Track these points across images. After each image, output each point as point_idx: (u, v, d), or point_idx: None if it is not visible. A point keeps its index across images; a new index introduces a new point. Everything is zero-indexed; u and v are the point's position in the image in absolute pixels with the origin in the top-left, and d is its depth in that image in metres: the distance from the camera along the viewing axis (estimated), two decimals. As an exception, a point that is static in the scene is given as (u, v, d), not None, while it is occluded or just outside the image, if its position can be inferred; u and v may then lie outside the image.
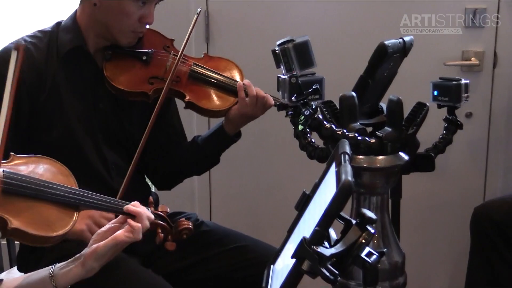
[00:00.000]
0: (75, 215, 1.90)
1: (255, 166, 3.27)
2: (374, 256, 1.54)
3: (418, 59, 3.01)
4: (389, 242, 1.97)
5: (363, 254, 1.53)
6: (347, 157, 1.58)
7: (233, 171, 3.25)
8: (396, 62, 2.22)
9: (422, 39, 3.07)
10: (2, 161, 1.81)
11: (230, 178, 3.29)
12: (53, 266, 1.89)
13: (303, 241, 1.43)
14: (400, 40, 2.17)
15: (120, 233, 1.85)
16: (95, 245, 1.86)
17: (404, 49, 2.20)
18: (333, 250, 1.47)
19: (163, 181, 2.69)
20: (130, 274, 2.31)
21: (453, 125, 2.21)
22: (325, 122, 1.88)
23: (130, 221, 1.88)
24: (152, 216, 1.96)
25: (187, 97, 2.44)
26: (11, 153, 1.92)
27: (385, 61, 2.10)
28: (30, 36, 2.42)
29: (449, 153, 3.14)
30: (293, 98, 1.83)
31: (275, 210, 3.26)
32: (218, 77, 2.49)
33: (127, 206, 1.92)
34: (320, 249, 1.43)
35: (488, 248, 2.72)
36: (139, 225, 1.90)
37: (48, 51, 2.40)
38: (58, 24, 2.46)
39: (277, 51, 1.84)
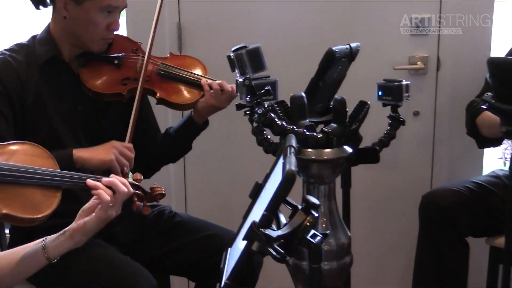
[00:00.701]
0: (58, 195, 1.90)
1: (227, 162, 3.26)
2: (318, 238, 1.57)
3: (369, 64, 3.05)
4: (336, 226, 1.98)
5: (308, 236, 1.55)
6: (292, 149, 1.61)
7: (206, 167, 3.25)
8: (344, 66, 2.22)
9: (373, 46, 3.08)
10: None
11: (203, 174, 3.28)
12: (45, 239, 1.88)
13: (253, 224, 1.47)
14: (347, 46, 2.18)
15: (102, 207, 1.85)
16: (82, 221, 1.85)
17: (351, 54, 2.21)
18: (279, 232, 1.49)
19: (141, 170, 2.63)
20: (110, 260, 2.31)
21: (396, 122, 2.23)
22: (276, 120, 1.86)
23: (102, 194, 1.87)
24: (127, 183, 1.95)
25: (158, 94, 2.46)
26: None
27: (333, 65, 2.10)
28: (8, 50, 2.42)
29: (399, 148, 3.19)
30: (247, 98, 1.82)
31: (245, 202, 3.25)
32: (184, 73, 2.50)
33: (104, 178, 1.92)
34: (268, 231, 1.46)
35: (435, 233, 2.73)
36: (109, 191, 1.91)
37: (27, 62, 2.40)
38: (34, 37, 2.47)
39: (232, 57, 1.83)
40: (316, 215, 1.58)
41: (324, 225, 1.94)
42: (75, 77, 2.42)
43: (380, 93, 2.23)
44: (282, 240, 1.54)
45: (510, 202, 2.29)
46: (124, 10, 2.50)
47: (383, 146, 2.23)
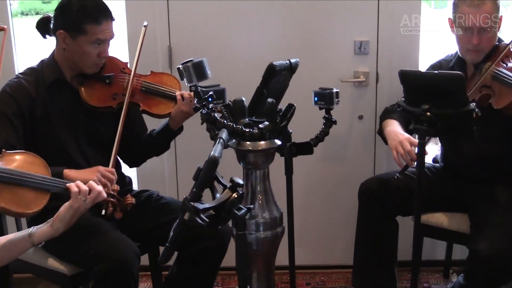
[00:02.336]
0: (47, 196, 1.92)
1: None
2: (243, 210, 1.59)
3: (321, 77, 3.04)
4: (270, 203, 1.97)
5: (234, 209, 1.56)
6: (220, 140, 1.62)
7: (196, 158, 3.22)
8: (285, 77, 2.21)
9: (325, 62, 3.08)
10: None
11: (193, 164, 3.23)
12: (32, 228, 1.90)
13: (185, 199, 1.48)
14: (287, 61, 2.16)
15: (74, 197, 1.88)
16: (59, 211, 1.88)
17: (290, 68, 2.19)
18: (207, 205, 1.53)
19: (131, 161, 2.72)
20: (101, 231, 2.31)
21: (329, 122, 2.23)
22: (218, 118, 1.85)
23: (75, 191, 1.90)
24: (104, 194, 1.99)
25: (141, 106, 2.46)
26: (3, 150, 1.97)
27: (275, 76, 2.08)
28: (22, 73, 2.44)
29: (348, 145, 3.19)
30: (195, 101, 1.82)
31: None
32: (162, 88, 2.48)
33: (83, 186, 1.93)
34: (196, 204, 1.46)
35: (369, 212, 2.72)
36: (86, 189, 1.91)
37: (36, 83, 2.40)
38: (42, 61, 2.47)
39: (180, 68, 1.81)
40: (241, 192, 1.59)
41: (260, 201, 1.93)
42: (75, 93, 2.42)
43: (316, 99, 2.23)
44: (212, 212, 1.55)
45: (418, 190, 2.29)
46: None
47: (318, 141, 2.23)
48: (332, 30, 3.07)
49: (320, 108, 2.24)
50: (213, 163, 1.49)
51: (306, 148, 2.19)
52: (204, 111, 1.77)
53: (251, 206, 1.73)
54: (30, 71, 2.44)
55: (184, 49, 3.12)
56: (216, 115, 1.86)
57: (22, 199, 1.90)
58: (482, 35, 2.43)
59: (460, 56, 2.58)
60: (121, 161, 2.68)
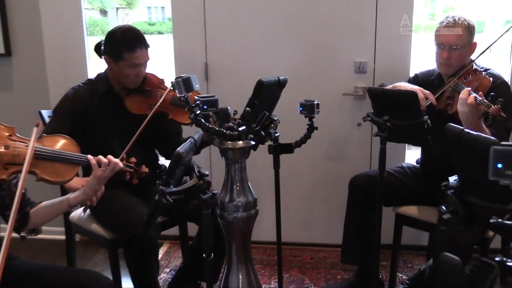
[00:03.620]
0: (77, 168, 1.93)
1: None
2: (207, 195, 1.63)
3: (326, 91, 3.06)
4: (245, 189, 1.95)
5: (200, 193, 1.62)
6: (191, 140, 1.67)
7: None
8: (275, 91, 2.16)
9: (330, 79, 3.07)
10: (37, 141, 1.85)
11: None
12: (69, 194, 1.97)
13: (157, 183, 1.55)
14: (276, 78, 2.11)
15: (96, 169, 1.91)
16: (88, 180, 1.95)
17: (279, 83, 2.14)
18: (174, 189, 1.55)
19: (168, 155, 2.70)
20: (131, 207, 2.33)
21: (311, 128, 2.20)
22: (203, 122, 1.82)
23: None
24: (120, 164, 1.97)
25: (169, 116, 2.46)
26: (43, 134, 1.97)
27: (264, 90, 2.02)
28: (83, 83, 2.51)
29: (348, 148, 3.18)
30: (186, 109, 1.82)
31: None
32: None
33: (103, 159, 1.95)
34: (165, 188, 1.53)
35: (356, 202, 2.70)
36: (106, 161, 1.93)
37: (91, 92, 2.47)
38: (98, 75, 2.54)
39: (173, 82, 1.84)
40: (207, 179, 1.65)
41: (237, 188, 1.93)
42: (121, 102, 2.47)
43: (301, 108, 2.19)
44: (182, 195, 1.62)
45: (380, 185, 2.28)
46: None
47: (301, 143, 2.21)
48: (337, 53, 3.07)
49: (305, 116, 2.21)
50: (177, 156, 1.52)
51: (288, 148, 2.18)
52: (191, 116, 1.78)
53: (215, 191, 1.73)
54: (88, 82, 2.52)
55: (217, 65, 3.16)
56: (202, 119, 1.83)
57: (58, 171, 1.88)
58: (452, 52, 2.44)
59: (438, 71, 2.58)
60: (158, 154, 2.73)
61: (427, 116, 2.07)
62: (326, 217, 3.28)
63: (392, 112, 2.11)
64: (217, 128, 1.84)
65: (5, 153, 1.76)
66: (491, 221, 1.26)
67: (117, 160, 1.95)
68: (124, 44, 2.36)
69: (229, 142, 1.88)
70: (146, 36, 2.45)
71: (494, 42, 2.47)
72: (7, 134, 1.81)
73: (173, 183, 1.56)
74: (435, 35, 2.51)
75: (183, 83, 1.79)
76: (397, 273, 2.94)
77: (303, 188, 3.27)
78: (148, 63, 2.47)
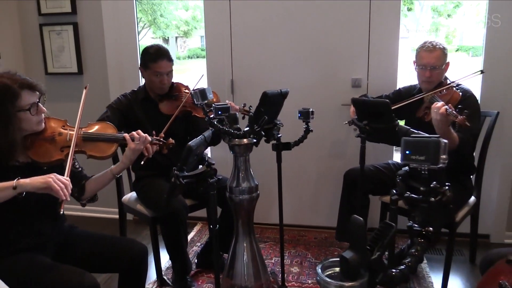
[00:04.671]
0: (116, 145, 1.94)
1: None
2: (214, 179, 1.73)
3: (329, 102, 3.12)
4: (249, 177, 2.02)
5: (209, 179, 1.72)
6: (202, 137, 1.73)
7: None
8: (278, 100, 2.21)
9: (331, 91, 3.11)
10: (83, 127, 1.95)
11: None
12: (112, 166, 2.01)
13: (173, 169, 1.63)
14: (279, 90, 2.16)
15: (130, 143, 1.92)
16: (125, 153, 1.95)
17: (281, 94, 2.18)
18: (186, 174, 1.64)
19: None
20: (160, 185, 2.38)
21: (307, 130, 2.27)
22: (216, 123, 1.89)
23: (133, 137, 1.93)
24: (149, 138, 1.97)
25: (193, 113, 2.49)
26: (89, 122, 2.00)
27: (268, 100, 2.06)
28: (129, 93, 2.60)
29: (346, 147, 3.22)
30: (203, 113, 1.88)
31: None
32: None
33: (135, 134, 1.95)
34: (179, 173, 1.62)
35: (349, 191, 2.74)
36: (137, 136, 1.93)
37: (134, 99, 2.56)
38: (139, 87, 2.62)
39: (192, 93, 1.91)
40: (214, 167, 1.74)
41: (242, 176, 2.00)
42: (156, 106, 2.53)
43: (299, 115, 2.27)
44: (194, 179, 1.72)
45: (361, 179, 2.33)
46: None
47: (298, 143, 2.29)
48: (337, 71, 3.11)
49: (303, 121, 2.28)
50: (188, 149, 1.60)
51: (287, 146, 2.26)
52: (206, 119, 1.87)
53: (220, 176, 1.81)
54: (132, 92, 2.61)
55: (241, 81, 3.25)
56: (216, 122, 1.92)
57: (101, 149, 1.92)
58: (432, 71, 2.48)
59: (419, 86, 2.63)
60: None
61: (398, 121, 2.14)
62: (328, 204, 3.32)
63: (370, 117, 2.19)
64: (226, 129, 1.94)
65: (60, 139, 1.85)
66: (392, 197, 1.35)
67: (146, 135, 1.96)
68: (150, 57, 2.46)
69: (236, 139, 1.98)
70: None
71: (466, 77, 2.51)
72: (61, 125, 1.91)
73: (187, 169, 1.67)
74: (418, 58, 2.55)
75: (200, 93, 1.89)
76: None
77: (310, 180, 3.34)
78: (173, 73, 2.54)
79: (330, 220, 3.29)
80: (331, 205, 3.28)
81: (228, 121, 2.01)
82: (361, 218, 1.21)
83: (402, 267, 1.24)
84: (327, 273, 1.39)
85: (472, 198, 2.69)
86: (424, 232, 1.26)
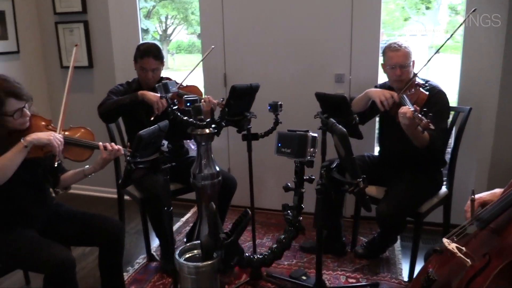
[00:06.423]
0: (91, 152, 1.95)
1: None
2: (167, 165, 1.78)
3: (313, 96, 3.12)
4: (210, 164, 2.08)
5: (161, 164, 1.76)
6: (156, 127, 1.77)
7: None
8: (248, 93, 2.26)
9: (313, 87, 2.97)
10: (65, 130, 1.93)
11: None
12: (86, 166, 2.01)
13: (126, 156, 1.69)
14: (249, 84, 2.23)
15: (104, 153, 1.92)
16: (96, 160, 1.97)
17: (251, 88, 2.24)
18: (138, 160, 1.69)
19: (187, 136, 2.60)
20: (151, 178, 2.34)
21: (276, 122, 2.29)
22: (179, 114, 1.95)
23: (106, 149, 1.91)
24: (122, 152, 1.95)
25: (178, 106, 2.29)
26: (70, 126, 1.98)
27: (236, 94, 2.16)
28: (124, 83, 2.64)
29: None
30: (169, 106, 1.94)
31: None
32: (189, 94, 2.38)
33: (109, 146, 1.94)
34: (131, 159, 1.67)
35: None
36: (110, 148, 1.92)
37: (128, 88, 2.59)
38: (133, 79, 2.66)
39: (156, 86, 1.98)
40: (166, 155, 1.78)
41: (204, 162, 2.04)
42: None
43: (269, 107, 2.30)
44: (148, 165, 1.76)
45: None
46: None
47: (268, 133, 2.32)
48: (321, 67, 3.11)
49: (273, 113, 2.31)
50: (138, 138, 1.64)
51: (256, 136, 2.32)
52: (169, 110, 1.92)
53: (174, 164, 1.85)
54: (127, 82, 2.66)
55: (233, 75, 3.29)
56: (179, 113, 1.98)
57: (77, 153, 1.92)
58: (402, 70, 2.45)
59: (390, 85, 2.60)
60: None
61: (356, 115, 2.15)
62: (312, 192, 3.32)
63: (330, 111, 2.21)
64: (185, 119, 2.00)
65: None
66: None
67: (118, 147, 1.97)
68: (139, 52, 2.53)
69: (198, 129, 2.04)
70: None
71: (428, 61, 2.45)
72: (45, 124, 1.90)
73: (141, 156, 1.72)
74: (386, 58, 2.50)
75: (163, 86, 1.96)
76: (360, 237, 2.99)
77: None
78: (160, 71, 2.57)
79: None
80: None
81: (193, 112, 2.07)
82: (214, 206, 1.26)
83: (267, 252, 1.28)
84: (188, 255, 1.42)
85: (444, 190, 2.65)
86: (294, 222, 1.29)
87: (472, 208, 1.53)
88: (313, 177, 1.38)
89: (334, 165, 1.72)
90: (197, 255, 1.39)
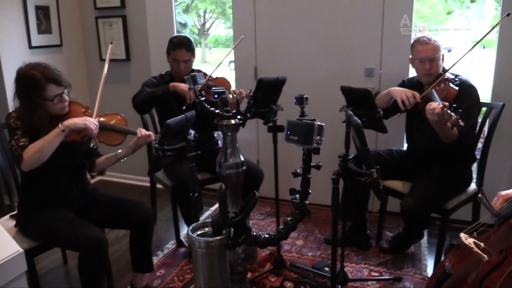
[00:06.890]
0: (125, 136, 2.02)
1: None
2: (193, 153, 1.84)
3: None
4: (235, 154, 2.13)
5: (187, 152, 1.82)
6: (184, 116, 1.83)
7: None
8: (275, 86, 2.26)
9: (346, 81, 2.90)
10: (101, 115, 2.00)
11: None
12: (119, 150, 2.05)
13: (154, 144, 1.76)
14: (276, 77, 2.23)
15: (138, 138, 1.98)
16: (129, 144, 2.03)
17: (278, 81, 2.25)
18: (166, 147, 1.74)
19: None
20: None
21: (302, 115, 2.25)
22: (206, 106, 1.99)
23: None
24: (152, 137, 2.00)
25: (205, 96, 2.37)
26: (106, 112, 2.05)
27: (263, 86, 2.17)
28: (158, 75, 2.71)
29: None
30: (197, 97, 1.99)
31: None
32: (218, 86, 2.37)
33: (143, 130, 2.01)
34: (159, 146, 1.74)
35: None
36: (143, 133, 1.98)
37: (161, 81, 2.66)
38: (166, 71, 2.71)
39: (185, 78, 2.01)
40: (193, 143, 1.85)
41: (230, 152, 2.08)
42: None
43: (295, 100, 2.25)
44: (175, 152, 1.79)
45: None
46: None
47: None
48: (352, 62, 3.09)
49: (299, 106, 2.28)
50: (166, 126, 1.70)
51: (281, 129, 2.31)
52: (197, 101, 1.98)
53: (199, 152, 1.90)
54: (160, 75, 2.74)
55: (264, 68, 3.30)
56: (206, 104, 2.02)
57: (112, 137, 1.98)
58: (432, 63, 2.41)
59: (419, 80, 2.55)
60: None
61: (380, 109, 2.13)
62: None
63: (355, 104, 2.20)
64: (211, 110, 2.05)
65: None
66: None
67: (150, 132, 2.04)
68: (171, 45, 2.59)
69: (225, 120, 2.09)
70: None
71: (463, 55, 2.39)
72: (83, 110, 1.99)
73: (169, 144, 1.79)
74: (415, 53, 2.45)
75: (191, 78, 2.02)
76: (386, 232, 2.97)
77: (324, 163, 3.33)
78: (192, 63, 2.62)
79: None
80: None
81: (220, 104, 2.12)
82: (224, 187, 1.31)
83: (273, 232, 1.32)
84: (200, 232, 1.50)
85: (473, 187, 2.59)
86: (300, 206, 1.33)
87: (486, 204, 1.51)
88: (320, 164, 1.41)
89: (351, 156, 1.73)
90: (208, 232, 1.47)
